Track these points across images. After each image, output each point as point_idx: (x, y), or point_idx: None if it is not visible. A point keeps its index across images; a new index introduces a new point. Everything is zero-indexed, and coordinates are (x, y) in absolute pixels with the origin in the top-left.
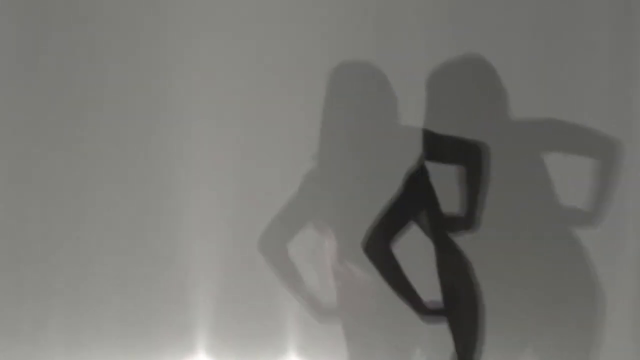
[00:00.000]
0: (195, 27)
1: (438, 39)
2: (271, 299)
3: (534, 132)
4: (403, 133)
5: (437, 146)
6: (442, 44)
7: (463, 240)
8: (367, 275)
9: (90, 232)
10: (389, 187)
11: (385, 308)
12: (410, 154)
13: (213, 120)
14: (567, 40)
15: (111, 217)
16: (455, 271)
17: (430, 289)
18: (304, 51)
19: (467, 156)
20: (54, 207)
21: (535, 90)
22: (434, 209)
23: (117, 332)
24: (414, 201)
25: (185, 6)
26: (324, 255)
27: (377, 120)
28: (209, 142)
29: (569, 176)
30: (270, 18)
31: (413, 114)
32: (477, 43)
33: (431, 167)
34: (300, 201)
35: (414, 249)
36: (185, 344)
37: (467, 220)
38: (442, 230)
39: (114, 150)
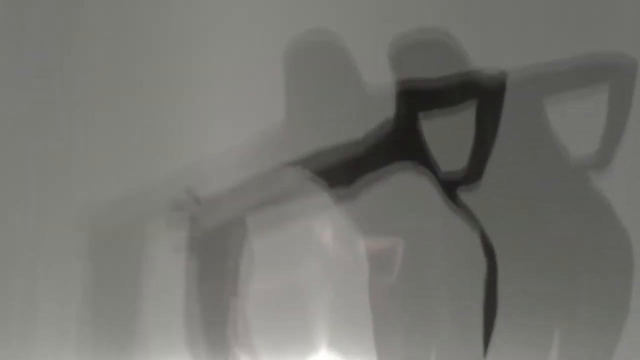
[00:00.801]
0: (209, 27)
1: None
2: (300, 294)
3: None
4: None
5: (438, 90)
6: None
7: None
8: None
9: (95, 238)
10: None
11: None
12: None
13: (229, 120)
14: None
15: (115, 219)
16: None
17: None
18: (319, 49)
19: (481, 87)
20: (57, 206)
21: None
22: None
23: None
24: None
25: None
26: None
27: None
28: (225, 144)
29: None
30: (283, 15)
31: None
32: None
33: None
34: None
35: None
36: None
37: (474, 170)
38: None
39: (124, 153)
